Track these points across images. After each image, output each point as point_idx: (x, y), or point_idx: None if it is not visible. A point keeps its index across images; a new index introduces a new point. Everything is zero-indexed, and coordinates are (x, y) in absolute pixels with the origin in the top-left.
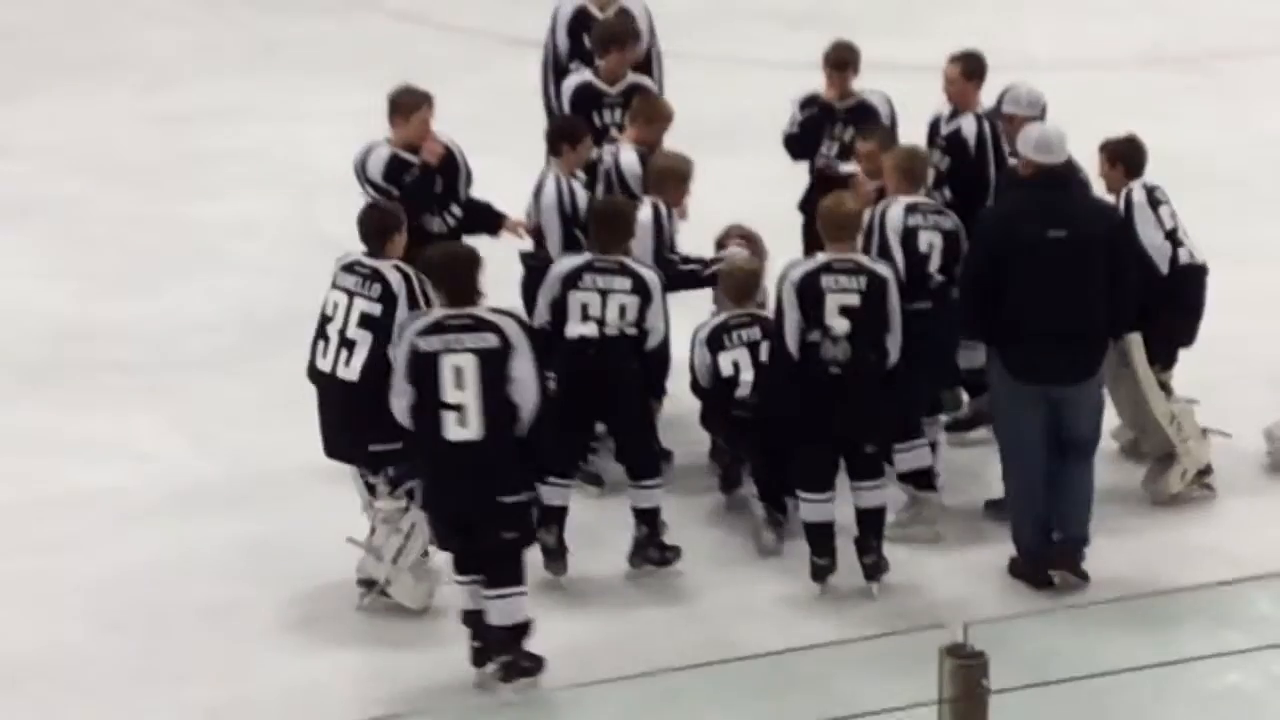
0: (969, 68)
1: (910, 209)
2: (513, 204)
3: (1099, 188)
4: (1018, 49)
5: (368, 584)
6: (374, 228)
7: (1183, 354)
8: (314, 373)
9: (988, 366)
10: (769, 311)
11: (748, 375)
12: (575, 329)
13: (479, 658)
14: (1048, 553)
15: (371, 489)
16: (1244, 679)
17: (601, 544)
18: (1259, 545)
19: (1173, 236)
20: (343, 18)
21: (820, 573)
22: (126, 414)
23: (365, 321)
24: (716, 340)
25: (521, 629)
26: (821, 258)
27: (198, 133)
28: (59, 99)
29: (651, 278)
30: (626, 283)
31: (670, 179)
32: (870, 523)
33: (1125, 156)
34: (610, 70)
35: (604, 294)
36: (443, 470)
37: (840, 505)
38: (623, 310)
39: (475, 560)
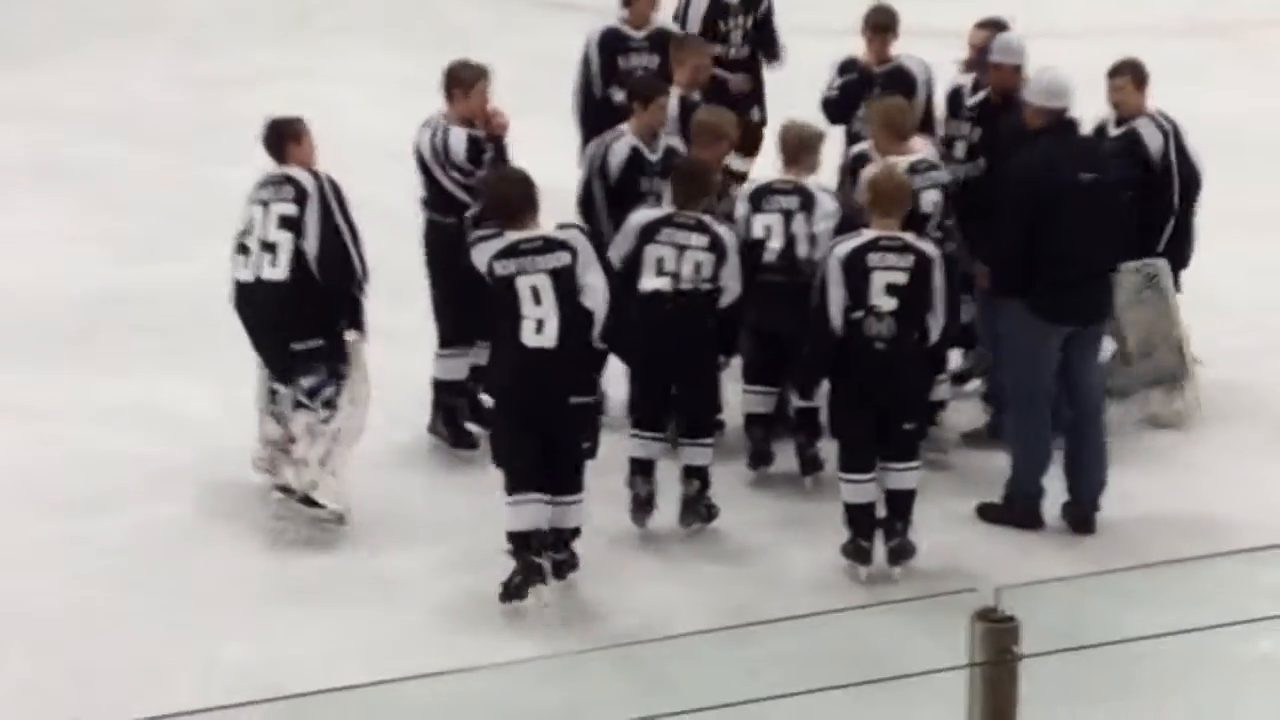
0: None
1: (910, 170)
2: (550, 169)
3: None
4: (1048, 17)
5: (286, 490)
6: (272, 140)
7: (1213, 324)
8: (236, 290)
9: (1002, 315)
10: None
11: (775, 244)
12: (650, 283)
13: (519, 591)
14: (1039, 499)
15: (273, 395)
16: (1275, 647)
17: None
18: None
19: None
20: None
21: (864, 555)
22: (157, 377)
23: (284, 223)
24: (757, 200)
25: (577, 532)
26: (868, 234)
27: (230, 96)
28: (91, 62)
29: (728, 236)
30: (704, 239)
31: (706, 134)
32: (899, 505)
33: (1146, 78)
34: (638, 14)
35: (680, 249)
36: (521, 375)
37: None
38: (698, 266)
39: (537, 476)
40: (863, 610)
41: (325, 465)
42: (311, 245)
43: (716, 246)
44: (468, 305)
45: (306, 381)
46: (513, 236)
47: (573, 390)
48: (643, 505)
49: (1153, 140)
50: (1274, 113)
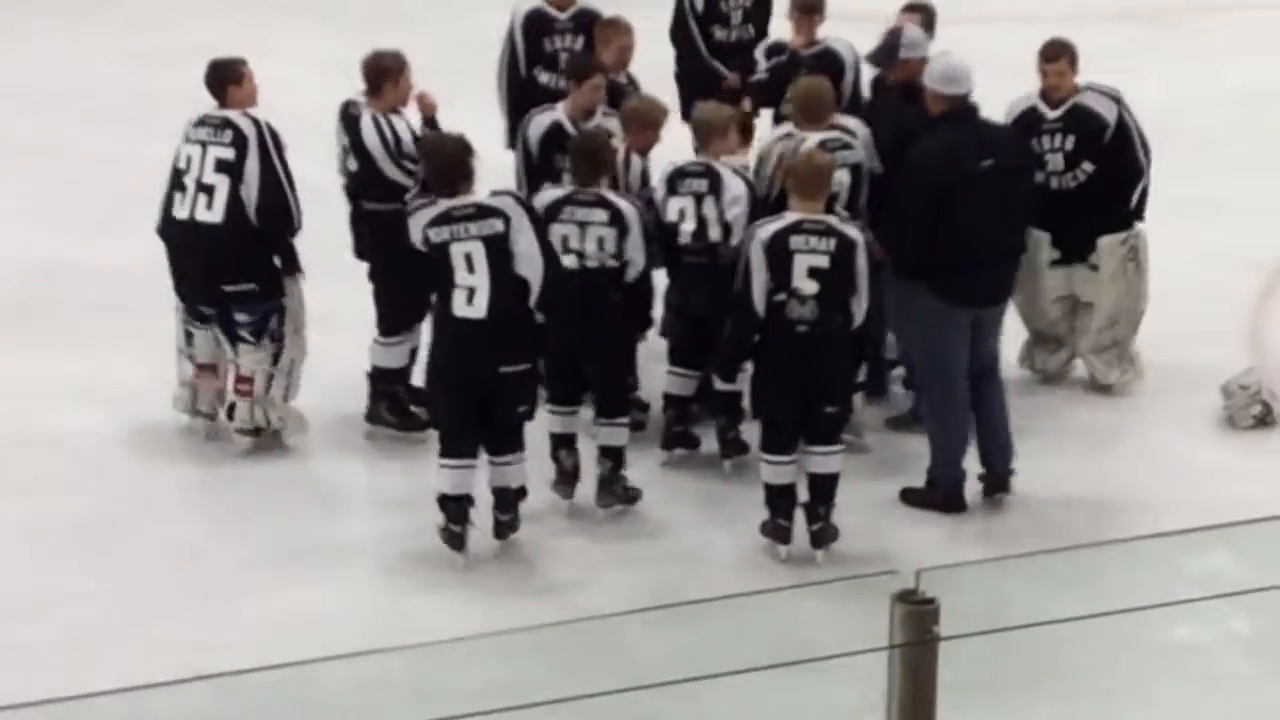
0: (923, 21)
1: (819, 146)
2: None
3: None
4: (975, 3)
5: (253, 432)
6: (212, 81)
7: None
8: (168, 224)
9: (910, 300)
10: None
11: (688, 226)
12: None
13: (457, 541)
14: (961, 482)
15: (189, 336)
16: (1195, 631)
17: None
18: (1214, 497)
19: None
20: None
21: (783, 534)
22: (104, 355)
23: (221, 166)
24: (671, 182)
25: (522, 492)
26: (791, 217)
27: (178, 73)
28: (39, 39)
29: (629, 209)
30: (604, 215)
31: (636, 121)
32: (821, 489)
33: (1077, 59)
34: None
35: (583, 226)
36: (455, 345)
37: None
38: (601, 242)
39: (471, 442)
40: (784, 592)
41: (289, 398)
42: (251, 192)
43: (618, 220)
44: (407, 291)
45: (244, 318)
46: (445, 204)
47: (505, 360)
48: (567, 477)
49: (1107, 109)
50: (1203, 100)
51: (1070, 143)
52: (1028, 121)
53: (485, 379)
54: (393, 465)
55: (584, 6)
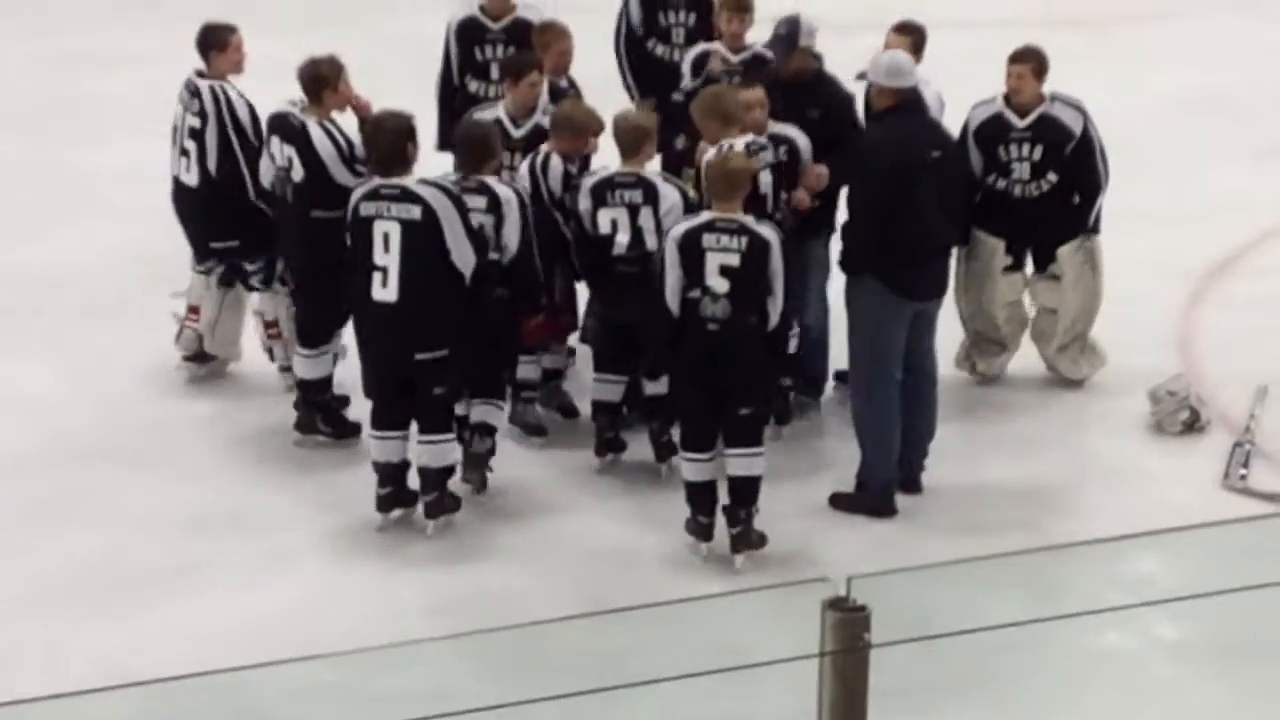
0: (914, 43)
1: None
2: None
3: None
4: (912, 8)
5: (289, 370)
6: (200, 45)
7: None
8: (174, 183)
9: (853, 295)
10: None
11: (624, 237)
12: None
13: (383, 504)
14: (893, 485)
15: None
16: (1124, 637)
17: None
18: (1143, 502)
19: None
20: None
21: (704, 531)
22: (6, 361)
23: (191, 133)
24: (600, 194)
25: (448, 471)
26: (706, 215)
27: (83, 78)
28: None
29: (507, 195)
30: (482, 201)
31: (565, 128)
32: (741, 492)
33: (1047, 66)
34: (496, 4)
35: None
36: (372, 327)
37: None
38: (481, 229)
39: (397, 414)
40: (715, 599)
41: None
42: (211, 161)
43: (496, 207)
44: (330, 301)
45: (250, 266)
46: (378, 181)
47: (418, 346)
48: (469, 461)
49: (1073, 121)
50: (1133, 107)
51: (1038, 153)
52: (994, 129)
53: (402, 363)
54: (320, 470)
55: (518, 17)
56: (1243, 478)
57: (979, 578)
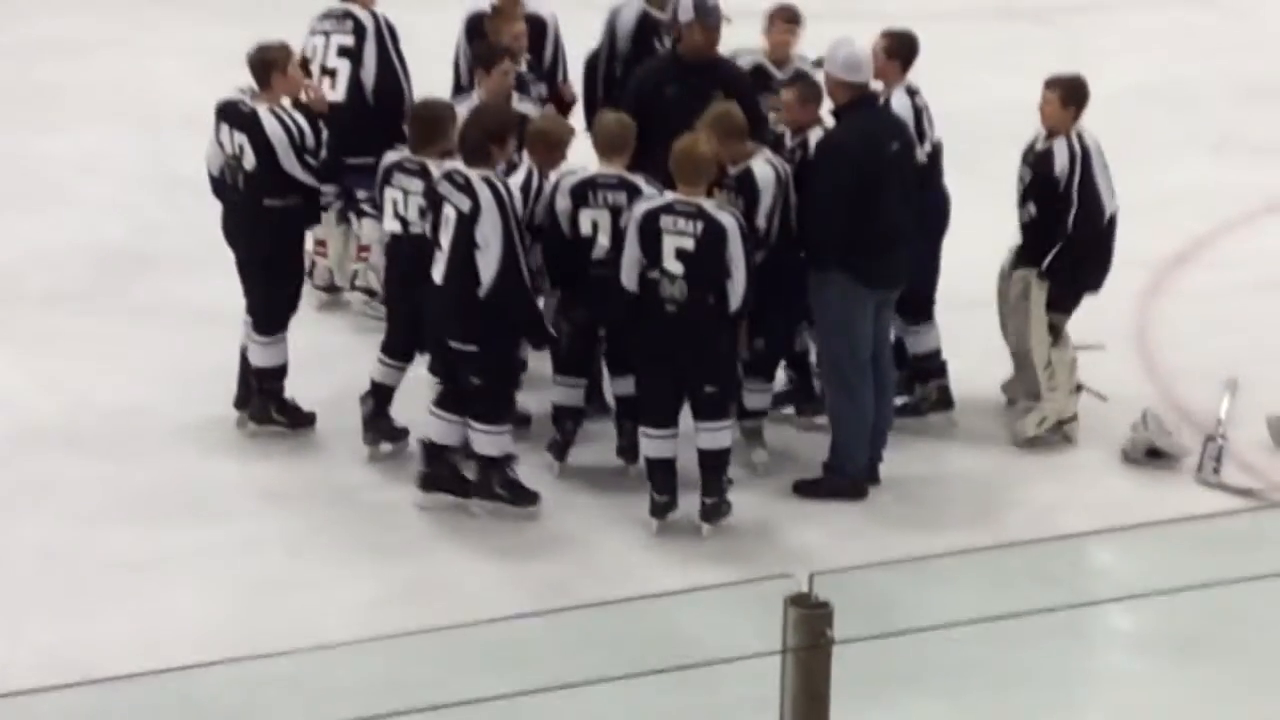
0: (893, 45)
1: None
2: None
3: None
4: (872, 2)
5: (369, 292)
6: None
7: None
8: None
9: (820, 288)
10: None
11: (605, 240)
12: (387, 224)
13: (422, 483)
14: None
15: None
16: (1083, 631)
17: None
18: (1103, 498)
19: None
20: None
21: (659, 509)
22: None
23: (342, 52)
24: (581, 195)
25: (501, 460)
26: (668, 197)
27: (44, 65)
28: None
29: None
30: (421, 185)
31: (541, 143)
32: (709, 464)
33: (1081, 99)
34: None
35: (406, 194)
36: (428, 308)
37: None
38: (422, 211)
39: (454, 398)
40: (676, 595)
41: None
42: (369, 76)
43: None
44: (288, 288)
45: (363, 193)
46: (450, 165)
47: (453, 334)
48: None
49: (1060, 161)
50: (1091, 99)
51: (1028, 176)
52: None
53: (442, 346)
54: (276, 459)
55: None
56: (1216, 471)
57: (941, 572)
